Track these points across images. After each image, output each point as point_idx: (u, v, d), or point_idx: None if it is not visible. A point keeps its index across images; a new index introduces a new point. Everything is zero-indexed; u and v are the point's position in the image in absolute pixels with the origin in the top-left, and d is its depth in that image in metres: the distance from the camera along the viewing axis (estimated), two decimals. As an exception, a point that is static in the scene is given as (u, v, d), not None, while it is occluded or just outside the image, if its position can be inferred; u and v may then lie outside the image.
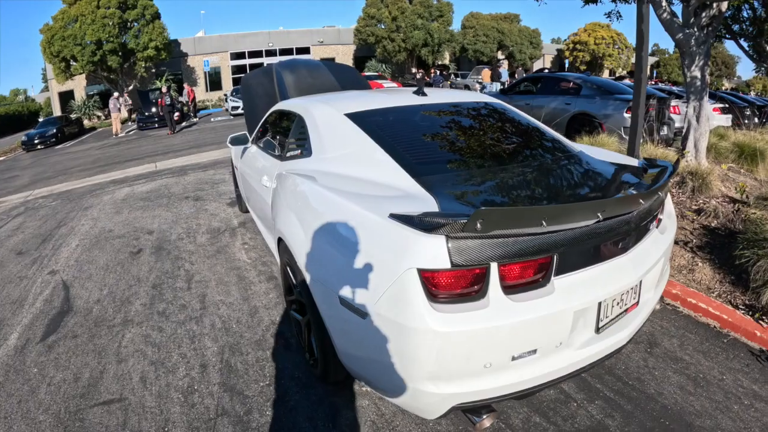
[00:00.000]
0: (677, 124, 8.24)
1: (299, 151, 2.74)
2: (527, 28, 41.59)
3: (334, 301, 1.74)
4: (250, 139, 4.25)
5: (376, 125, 2.37)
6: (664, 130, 7.93)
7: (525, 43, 40.79)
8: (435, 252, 1.40)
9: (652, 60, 51.34)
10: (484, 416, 1.64)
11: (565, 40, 49.74)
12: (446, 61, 36.46)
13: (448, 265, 1.39)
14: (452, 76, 28.49)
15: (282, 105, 3.63)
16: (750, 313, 2.72)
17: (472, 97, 3.07)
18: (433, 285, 1.43)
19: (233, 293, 3.47)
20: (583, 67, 43.88)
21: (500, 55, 41.37)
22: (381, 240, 1.55)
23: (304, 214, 2.08)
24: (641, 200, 1.71)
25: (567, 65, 46.68)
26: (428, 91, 3.00)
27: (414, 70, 30.71)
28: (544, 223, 1.41)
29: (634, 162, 2.45)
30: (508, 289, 1.51)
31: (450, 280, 1.43)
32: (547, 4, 7.69)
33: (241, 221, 5.29)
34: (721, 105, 11.12)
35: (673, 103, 8.70)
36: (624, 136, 7.07)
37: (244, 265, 3.99)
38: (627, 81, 15.34)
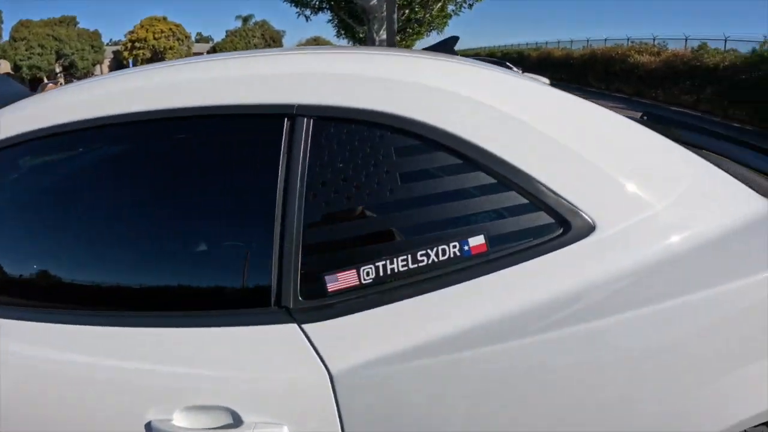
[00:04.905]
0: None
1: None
2: (86, 30, 39.04)
3: None
4: None
5: None
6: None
7: (86, 48, 38.54)
8: None
9: (208, 46, 57.41)
10: None
11: (122, 39, 48.85)
12: (-1, 84, 30.77)
13: None
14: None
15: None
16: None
17: None
18: None
19: None
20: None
21: (58, 68, 37.26)
22: None
23: None
24: None
25: (132, 65, 46.82)
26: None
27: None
28: None
29: None
30: None
31: None
32: None
33: None
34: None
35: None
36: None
37: None
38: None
